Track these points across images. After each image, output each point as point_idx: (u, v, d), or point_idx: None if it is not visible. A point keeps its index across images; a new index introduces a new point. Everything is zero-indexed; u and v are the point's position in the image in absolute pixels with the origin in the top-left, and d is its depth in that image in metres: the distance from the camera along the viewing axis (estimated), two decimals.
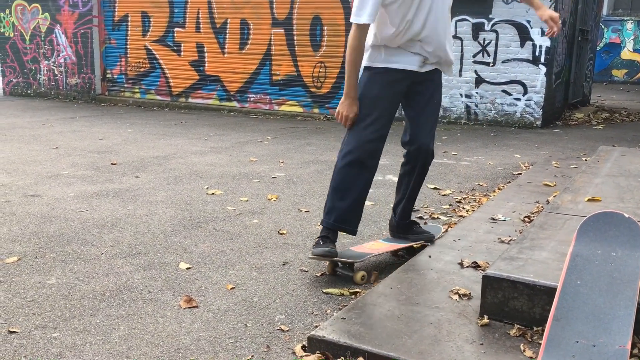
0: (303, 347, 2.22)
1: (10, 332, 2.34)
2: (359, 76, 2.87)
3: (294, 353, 2.21)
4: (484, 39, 8.58)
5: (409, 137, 3.01)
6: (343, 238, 3.40)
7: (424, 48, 2.83)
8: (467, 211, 4.14)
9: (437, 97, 3.01)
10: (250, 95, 10.44)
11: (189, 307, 2.59)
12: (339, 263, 2.93)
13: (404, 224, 3.21)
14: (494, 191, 4.75)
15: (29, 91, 12.59)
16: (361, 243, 3.33)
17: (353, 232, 2.97)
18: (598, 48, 17.08)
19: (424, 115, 2.97)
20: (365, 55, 2.88)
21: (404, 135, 3.05)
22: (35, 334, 2.33)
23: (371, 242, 3.28)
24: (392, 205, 3.30)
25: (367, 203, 4.33)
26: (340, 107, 2.86)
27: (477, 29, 8.60)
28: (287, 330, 2.40)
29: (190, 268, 3.06)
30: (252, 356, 2.19)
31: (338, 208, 2.90)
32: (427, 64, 2.88)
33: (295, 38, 9.94)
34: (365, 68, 2.90)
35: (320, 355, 2.14)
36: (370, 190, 4.72)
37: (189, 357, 2.18)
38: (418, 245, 3.19)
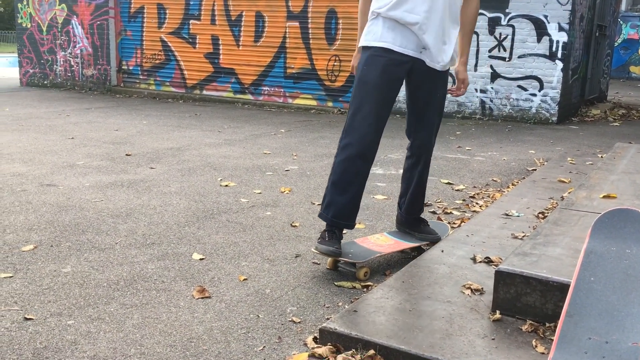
0: (314, 339, 2.23)
1: (26, 319, 2.38)
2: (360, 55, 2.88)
3: (305, 344, 2.22)
4: (500, 34, 8.52)
5: (412, 131, 2.99)
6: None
7: (422, 29, 2.71)
8: (480, 206, 4.13)
9: (442, 91, 2.95)
10: (264, 88, 10.46)
11: (202, 298, 2.61)
12: (342, 260, 2.91)
13: (411, 220, 3.19)
14: (508, 187, 4.73)
15: (45, 82, 12.70)
16: (368, 235, 3.32)
17: (351, 226, 2.93)
18: (616, 44, 16.88)
19: (428, 113, 2.93)
20: (365, 28, 2.82)
21: (409, 129, 3.03)
22: (50, 321, 2.37)
23: (377, 234, 3.24)
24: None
25: (380, 197, 4.34)
26: (354, 60, 2.97)
27: (493, 24, 8.54)
28: (299, 322, 2.41)
29: (203, 259, 3.08)
30: (264, 347, 2.21)
31: (337, 203, 2.84)
32: (426, 52, 2.76)
33: (310, 31, 9.93)
34: (363, 48, 2.83)
35: (331, 347, 2.15)
36: (383, 184, 4.76)
37: (201, 347, 2.20)
38: (424, 247, 3.17)
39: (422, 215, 3.28)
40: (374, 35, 2.78)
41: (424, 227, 3.21)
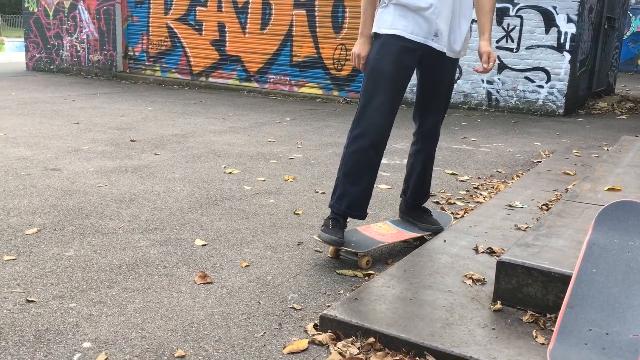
0: (315, 326, 2.24)
1: (29, 301, 2.39)
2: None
3: (305, 331, 2.23)
4: (508, 25, 8.46)
5: (419, 116, 2.98)
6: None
7: (435, 13, 2.66)
8: (484, 197, 4.12)
9: (450, 79, 2.92)
10: (270, 76, 10.43)
11: (204, 283, 2.62)
12: (344, 249, 2.91)
13: (415, 208, 3.19)
14: (513, 178, 4.71)
15: (51, 67, 12.71)
16: (369, 223, 3.32)
17: (363, 217, 2.91)
18: (625, 37, 16.75)
19: (435, 100, 2.92)
20: (376, 15, 2.77)
21: (413, 112, 3.02)
22: (52, 304, 2.38)
23: (379, 223, 3.24)
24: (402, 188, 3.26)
25: (384, 186, 4.33)
26: (355, 47, 2.83)
27: (501, 14, 8.47)
28: (300, 309, 2.42)
29: (205, 245, 3.09)
30: (264, 333, 2.22)
31: (350, 194, 2.81)
32: (437, 39, 2.72)
33: (316, 19, 9.88)
34: (375, 35, 2.78)
35: (331, 334, 2.16)
36: (387, 174, 4.74)
37: (202, 331, 2.21)
38: (427, 237, 3.17)
39: (426, 206, 3.27)
40: (385, 22, 2.73)
41: (427, 217, 3.20)
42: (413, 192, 3.15)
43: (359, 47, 2.82)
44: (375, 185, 4.31)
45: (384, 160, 5.18)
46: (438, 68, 2.84)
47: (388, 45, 2.71)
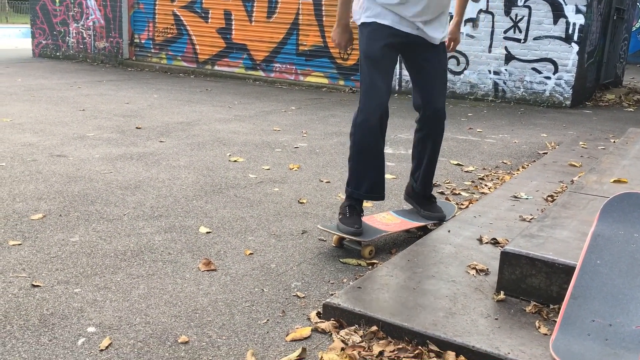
0: (318, 314, 2.25)
1: (34, 286, 2.41)
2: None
3: (309, 319, 2.23)
4: (516, 15, 8.40)
5: (422, 103, 2.97)
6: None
7: (399, 14, 2.77)
8: (489, 188, 4.11)
9: (444, 61, 2.98)
10: (276, 65, 10.41)
11: (208, 270, 2.63)
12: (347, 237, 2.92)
13: (423, 196, 3.19)
14: (518, 170, 4.70)
15: (57, 53, 12.71)
16: (373, 213, 3.32)
17: (383, 197, 2.97)
18: (633, 28, 16.61)
19: (436, 82, 2.95)
20: (365, 4, 2.83)
21: (415, 100, 3.01)
22: (57, 289, 2.39)
23: (383, 213, 3.24)
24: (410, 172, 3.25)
25: (389, 176, 4.33)
26: (333, 35, 2.94)
27: (509, 4, 8.41)
28: (303, 297, 2.42)
29: (210, 232, 3.10)
30: (268, 320, 2.22)
31: (368, 177, 2.88)
32: (420, 31, 2.81)
33: (323, 8, 9.84)
34: (361, 25, 2.86)
35: (334, 322, 2.16)
36: (392, 164, 4.74)
37: (206, 318, 2.22)
38: (430, 227, 3.17)
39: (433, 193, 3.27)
40: (372, 11, 2.81)
41: (430, 204, 3.20)
42: (423, 182, 3.15)
43: (338, 37, 2.91)
44: None
45: (389, 150, 5.18)
46: (431, 52, 2.91)
47: (375, 31, 2.80)
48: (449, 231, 2.98)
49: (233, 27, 10.69)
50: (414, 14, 2.76)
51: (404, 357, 1.95)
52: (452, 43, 3.16)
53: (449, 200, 3.76)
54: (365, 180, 2.90)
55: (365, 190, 2.91)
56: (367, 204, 3.63)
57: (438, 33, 2.87)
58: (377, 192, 2.94)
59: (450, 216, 3.25)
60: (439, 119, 3.01)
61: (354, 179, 2.92)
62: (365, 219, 3.08)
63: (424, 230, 3.18)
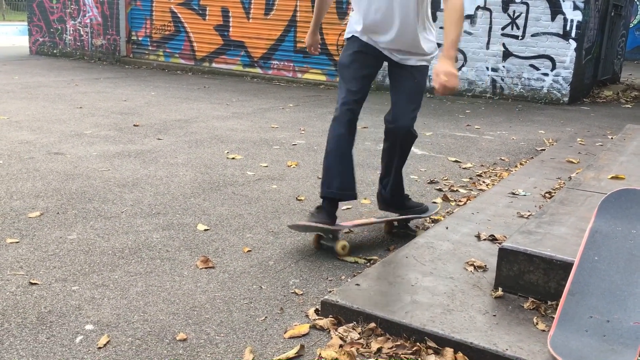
0: (316, 311, 2.25)
1: (31, 284, 2.40)
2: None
3: (307, 316, 2.23)
4: (514, 11, 8.39)
5: (390, 117, 2.95)
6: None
7: (371, 38, 2.85)
8: (487, 185, 4.11)
9: (420, 79, 2.91)
10: (273, 62, 10.39)
11: (206, 268, 2.63)
12: (322, 234, 2.90)
13: (397, 201, 3.12)
14: (516, 166, 4.70)
15: (54, 51, 12.67)
16: (353, 219, 3.31)
17: (355, 196, 2.92)
18: (631, 25, 16.61)
19: (405, 98, 2.90)
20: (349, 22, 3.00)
21: (387, 114, 2.97)
22: (55, 287, 2.39)
23: (364, 219, 3.22)
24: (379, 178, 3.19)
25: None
26: (308, 39, 3.34)
27: (507, 1, 8.40)
28: (301, 294, 2.42)
29: (208, 230, 3.09)
30: (266, 317, 2.22)
31: (338, 176, 2.84)
32: (386, 51, 2.87)
33: None
34: (346, 40, 3.00)
35: (332, 319, 2.16)
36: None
37: (204, 315, 2.22)
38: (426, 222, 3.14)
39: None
40: (352, 28, 2.93)
41: (407, 202, 3.17)
42: (393, 186, 3.08)
43: (307, 39, 3.34)
44: (377, 172, 4.31)
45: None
46: (401, 69, 2.91)
47: (351, 42, 2.94)
48: (447, 228, 2.98)
49: (230, 24, 10.66)
50: (385, 43, 2.84)
51: (402, 354, 1.95)
52: (438, 80, 2.49)
53: (447, 197, 3.77)
54: (335, 178, 2.85)
55: (336, 188, 2.85)
56: (365, 201, 3.63)
57: (411, 61, 2.87)
58: (349, 190, 2.88)
59: (433, 212, 3.23)
60: (398, 135, 2.92)
61: (325, 180, 2.89)
62: (345, 224, 3.03)
63: (411, 230, 3.17)
